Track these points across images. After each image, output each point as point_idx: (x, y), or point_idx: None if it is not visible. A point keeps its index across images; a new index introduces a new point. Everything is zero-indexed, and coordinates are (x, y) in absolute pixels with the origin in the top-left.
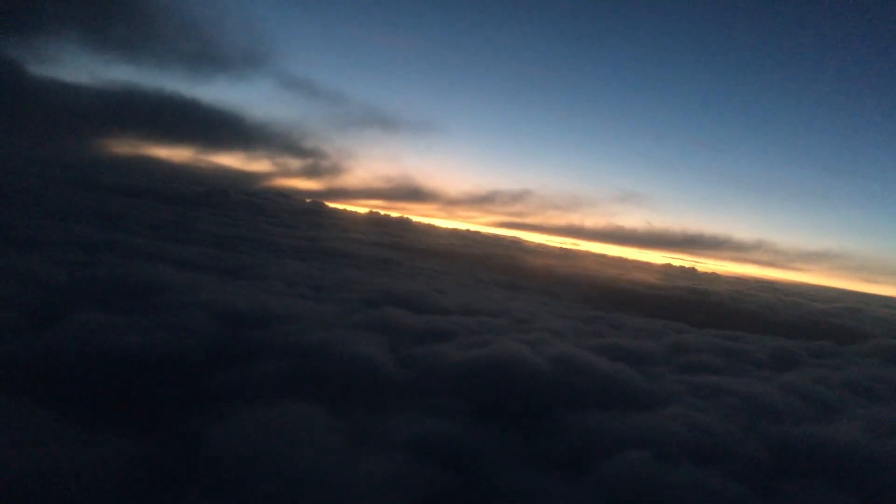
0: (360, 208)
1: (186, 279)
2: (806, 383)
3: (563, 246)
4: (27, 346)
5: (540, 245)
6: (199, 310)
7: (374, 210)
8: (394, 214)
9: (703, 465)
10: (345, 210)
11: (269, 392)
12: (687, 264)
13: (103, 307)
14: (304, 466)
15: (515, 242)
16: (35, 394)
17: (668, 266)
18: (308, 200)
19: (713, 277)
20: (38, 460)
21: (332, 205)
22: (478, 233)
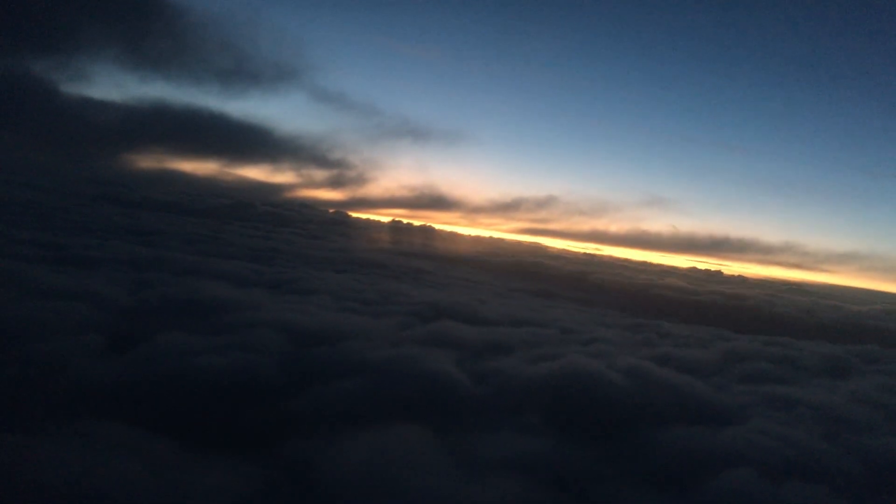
0: (383, 217)
1: (242, 296)
2: (870, 391)
3: (586, 251)
4: (118, 369)
5: (562, 251)
6: (266, 328)
7: (397, 219)
8: (416, 223)
9: (809, 481)
10: (368, 219)
11: (359, 412)
12: (713, 267)
13: (177, 327)
14: (422, 491)
15: (539, 249)
16: (138, 418)
17: (694, 269)
18: (331, 211)
19: (740, 280)
20: (166, 486)
21: (354, 214)
22: (501, 240)
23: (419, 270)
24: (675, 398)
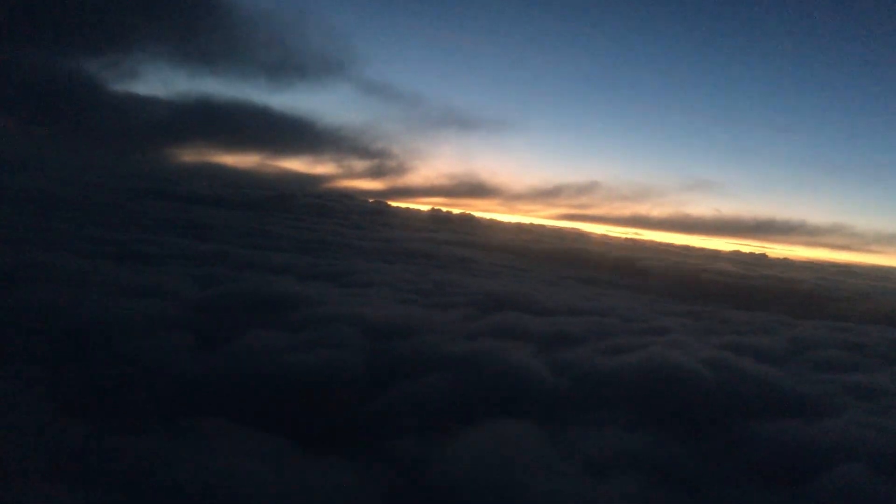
0: (422, 206)
1: (306, 290)
2: None
3: (627, 236)
4: (213, 367)
5: (602, 236)
6: (341, 323)
7: (436, 207)
8: (455, 211)
9: None
10: (407, 209)
11: (453, 408)
12: (757, 250)
13: (256, 324)
14: (544, 490)
15: (580, 234)
16: (243, 417)
17: (738, 253)
18: (371, 200)
19: (786, 263)
20: (291, 486)
21: (394, 203)
22: (542, 226)
23: (465, 259)
24: (761, 389)
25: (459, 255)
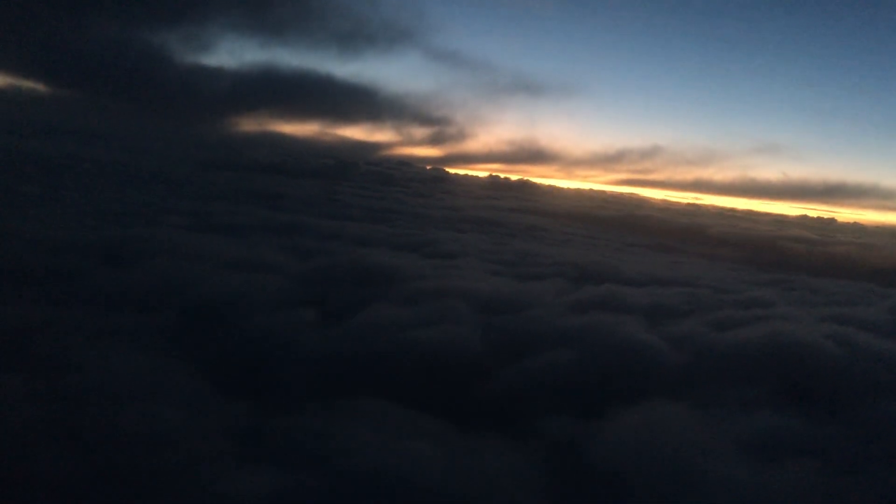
0: (480, 172)
1: (401, 262)
2: None
3: (687, 201)
4: (343, 344)
5: (663, 201)
6: (450, 298)
7: (494, 174)
8: (513, 177)
9: None
10: (466, 175)
11: (583, 386)
12: (825, 215)
13: (368, 297)
14: (712, 475)
15: (641, 200)
16: (389, 395)
17: (804, 217)
18: (429, 167)
19: (857, 228)
20: (457, 466)
21: (451, 170)
22: (601, 192)
23: (533, 227)
24: (887, 365)
25: (527, 223)
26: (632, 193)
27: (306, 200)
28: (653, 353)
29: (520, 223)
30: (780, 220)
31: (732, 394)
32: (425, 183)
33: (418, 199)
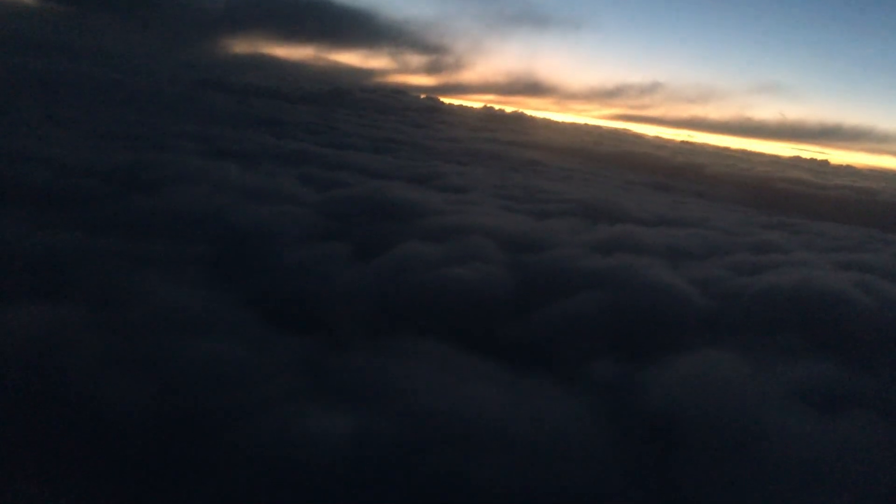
0: (474, 103)
1: (416, 196)
2: None
3: (680, 138)
4: (379, 281)
5: (656, 138)
6: (472, 234)
7: (489, 105)
8: (508, 109)
9: None
10: (460, 106)
11: (623, 329)
12: (818, 156)
13: (397, 232)
14: (773, 425)
15: (637, 137)
16: (438, 334)
17: (798, 159)
18: (423, 96)
19: (851, 171)
20: (514, 409)
21: (445, 100)
22: (597, 127)
23: (533, 162)
24: None
25: (526, 157)
26: (625, 129)
27: (306, 128)
28: (683, 297)
29: (519, 157)
30: (775, 160)
31: (772, 342)
32: (421, 112)
33: (417, 130)
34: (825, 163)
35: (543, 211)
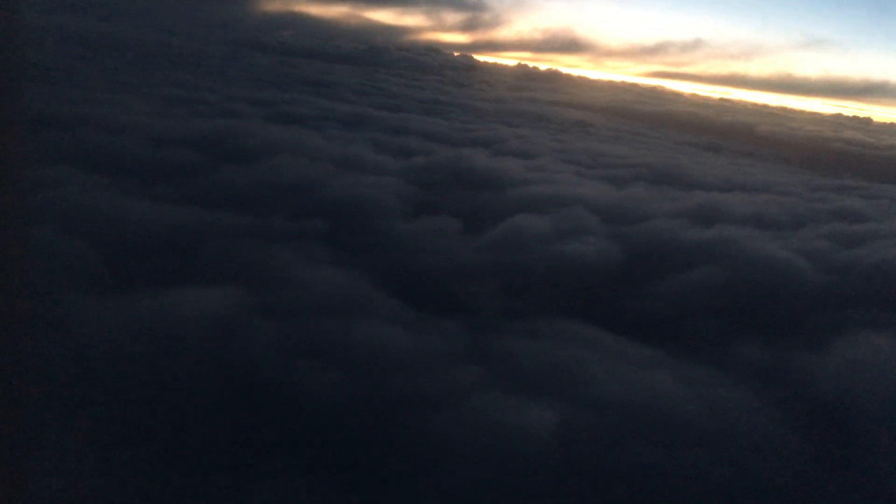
0: (507, 60)
1: (500, 165)
2: None
3: (718, 96)
4: (499, 258)
5: (693, 95)
6: (570, 206)
7: (522, 62)
8: (541, 67)
9: None
10: (495, 64)
11: (749, 305)
12: (860, 114)
13: (494, 205)
14: None
15: (676, 95)
16: (573, 313)
17: (839, 116)
18: (456, 54)
19: (894, 129)
20: (686, 398)
21: (479, 58)
22: (634, 84)
23: (581, 122)
24: None
25: (571, 117)
26: (661, 87)
27: (349, 88)
28: (798, 272)
29: (565, 117)
30: (818, 118)
31: (878, 317)
32: (458, 71)
33: (459, 90)
34: (868, 120)
35: (616, 177)
